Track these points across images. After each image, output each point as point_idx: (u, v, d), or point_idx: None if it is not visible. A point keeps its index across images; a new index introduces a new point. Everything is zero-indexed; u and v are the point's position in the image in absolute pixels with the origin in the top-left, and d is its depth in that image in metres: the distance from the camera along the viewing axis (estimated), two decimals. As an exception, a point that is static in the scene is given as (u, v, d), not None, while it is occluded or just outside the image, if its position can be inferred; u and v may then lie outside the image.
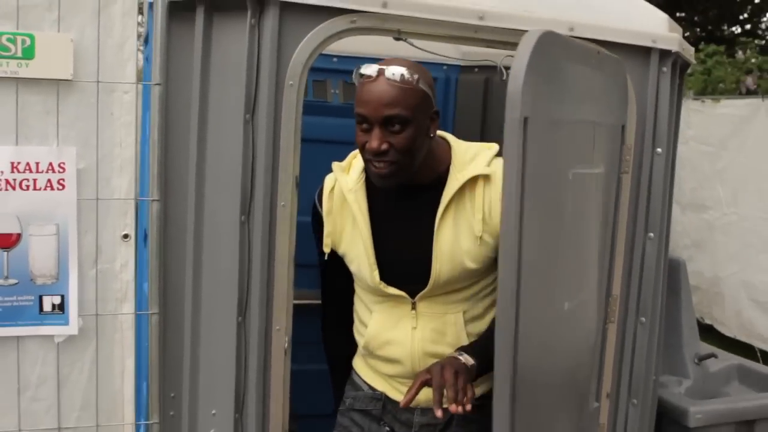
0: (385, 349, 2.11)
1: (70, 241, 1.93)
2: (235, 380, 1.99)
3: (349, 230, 2.08)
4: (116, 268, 1.99)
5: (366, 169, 2.00)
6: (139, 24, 1.96)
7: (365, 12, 1.95)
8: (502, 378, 1.71)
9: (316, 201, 2.13)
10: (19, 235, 1.89)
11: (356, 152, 2.04)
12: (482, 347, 1.98)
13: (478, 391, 2.03)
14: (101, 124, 1.93)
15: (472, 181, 1.97)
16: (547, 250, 1.88)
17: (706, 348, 3.45)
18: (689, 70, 9.29)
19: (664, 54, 2.29)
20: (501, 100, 3.39)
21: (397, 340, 2.08)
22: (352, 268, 2.11)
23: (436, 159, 2.01)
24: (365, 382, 2.25)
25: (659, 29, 2.31)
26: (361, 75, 1.92)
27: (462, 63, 3.57)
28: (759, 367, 3.50)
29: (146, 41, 2.13)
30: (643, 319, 2.38)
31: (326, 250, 2.11)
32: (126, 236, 1.99)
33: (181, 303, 2.00)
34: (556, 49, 1.82)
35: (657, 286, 2.43)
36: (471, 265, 2.00)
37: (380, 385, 2.21)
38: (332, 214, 2.09)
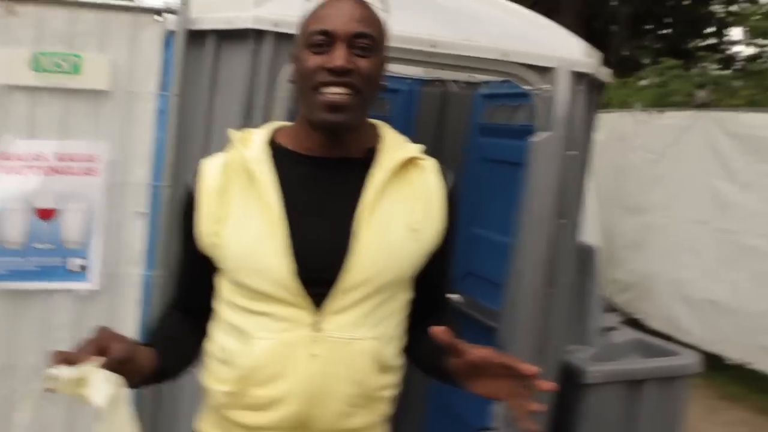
0: (269, 387, 1.54)
1: (98, 216, 2.45)
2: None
3: (246, 212, 1.57)
4: (132, 239, 2.51)
5: (307, 105, 1.55)
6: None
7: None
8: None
9: (191, 183, 1.61)
10: (57, 210, 2.40)
11: (252, 130, 1.68)
12: None
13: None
14: (128, 126, 2.44)
15: (407, 164, 1.62)
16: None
17: (610, 322, 3.98)
18: (647, 82, 9.75)
19: (580, 75, 2.83)
20: (455, 109, 3.96)
21: (288, 372, 1.52)
22: (241, 264, 1.55)
23: (367, 132, 1.65)
24: None
25: (577, 55, 2.85)
26: None
27: (424, 77, 4.09)
28: (655, 340, 4.02)
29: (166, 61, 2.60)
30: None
31: (213, 240, 1.55)
32: (141, 214, 2.50)
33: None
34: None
35: (568, 263, 2.97)
36: (399, 262, 1.58)
37: None
38: (224, 193, 1.57)
